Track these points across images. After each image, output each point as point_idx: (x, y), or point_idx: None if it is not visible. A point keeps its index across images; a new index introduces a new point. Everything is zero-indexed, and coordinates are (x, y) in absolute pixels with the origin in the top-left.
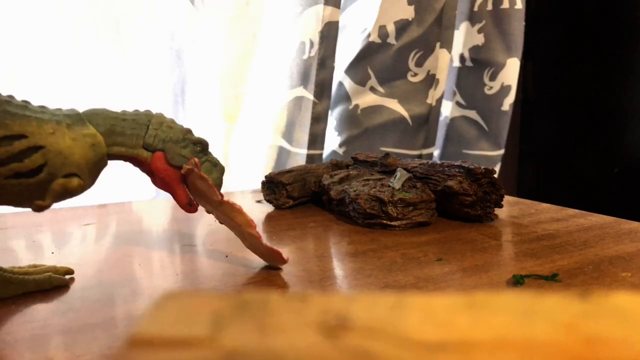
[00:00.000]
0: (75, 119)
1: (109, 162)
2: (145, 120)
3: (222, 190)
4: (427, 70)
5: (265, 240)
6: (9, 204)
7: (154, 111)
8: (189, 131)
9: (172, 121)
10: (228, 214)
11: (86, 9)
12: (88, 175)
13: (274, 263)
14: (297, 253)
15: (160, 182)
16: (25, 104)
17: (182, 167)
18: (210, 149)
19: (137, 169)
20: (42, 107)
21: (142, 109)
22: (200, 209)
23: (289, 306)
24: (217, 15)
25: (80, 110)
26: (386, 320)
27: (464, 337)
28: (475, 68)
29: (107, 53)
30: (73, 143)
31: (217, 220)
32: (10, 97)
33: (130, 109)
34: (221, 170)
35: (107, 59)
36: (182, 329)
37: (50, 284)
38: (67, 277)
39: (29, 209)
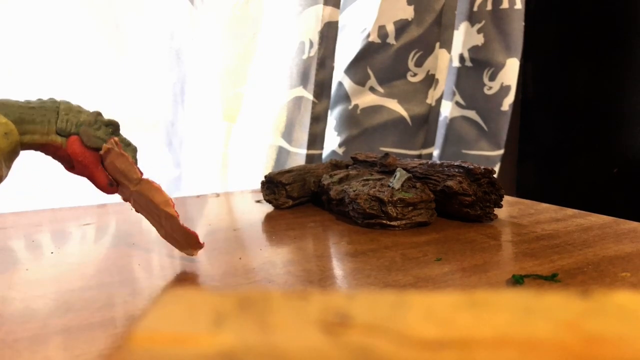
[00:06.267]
0: None
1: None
2: (53, 107)
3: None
4: (426, 70)
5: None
6: None
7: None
8: (99, 114)
9: (80, 106)
10: (146, 192)
11: (86, 9)
12: (4, 165)
13: (189, 249)
14: (297, 253)
15: (78, 166)
16: None
17: (100, 148)
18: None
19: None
20: None
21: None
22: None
23: (290, 304)
24: (217, 15)
25: None
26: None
27: (465, 335)
28: (475, 68)
29: (107, 53)
30: None
31: (132, 209)
32: None
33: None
34: (134, 149)
35: (107, 58)
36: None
37: None
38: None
39: (29, 208)
